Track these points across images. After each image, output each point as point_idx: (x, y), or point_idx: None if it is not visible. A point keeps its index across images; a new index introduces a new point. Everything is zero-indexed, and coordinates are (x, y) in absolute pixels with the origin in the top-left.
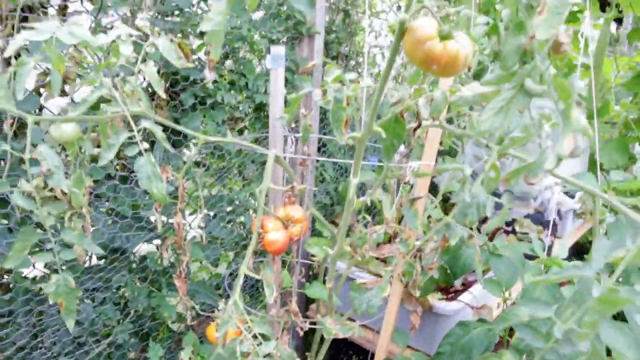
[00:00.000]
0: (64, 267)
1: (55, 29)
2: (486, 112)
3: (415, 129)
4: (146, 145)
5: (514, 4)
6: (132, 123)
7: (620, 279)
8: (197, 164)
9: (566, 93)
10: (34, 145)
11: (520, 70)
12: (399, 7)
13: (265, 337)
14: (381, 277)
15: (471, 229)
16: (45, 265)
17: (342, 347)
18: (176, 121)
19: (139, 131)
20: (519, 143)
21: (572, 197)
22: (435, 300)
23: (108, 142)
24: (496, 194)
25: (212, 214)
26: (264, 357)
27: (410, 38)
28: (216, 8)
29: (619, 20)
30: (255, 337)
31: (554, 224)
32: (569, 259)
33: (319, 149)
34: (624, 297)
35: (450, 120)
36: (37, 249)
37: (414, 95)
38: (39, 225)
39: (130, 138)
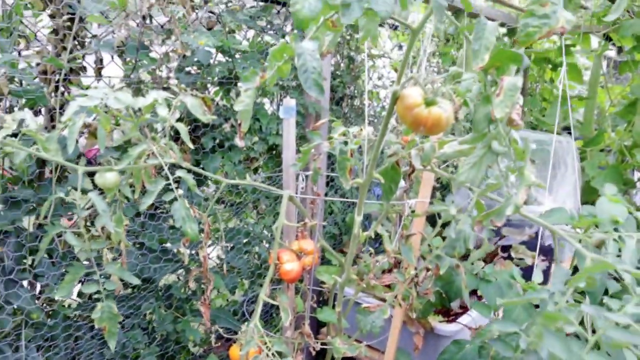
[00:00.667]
0: (101, 296)
1: (104, 95)
2: (464, 166)
3: (410, 174)
4: (181, 191)
5: (482, 80)
6: (168, 173)
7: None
8: (217, 200)
9: (521, 155)
10: (78, 190)
11: (489, 134)
12: (400, 47)
13: (281, 355)
14: (385, 301)
15: (461, 258)
16: (79, 295)
17: None
18: (197, 162)
19: (175, 181)
20: (494, 189)
21: None
22: (437, 322)
23: (148, 189)
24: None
25: (229, 245)
26: None
27: (401, 105)
28: (246, 94)
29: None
30: (273, 355)
31: (551, 249)
32: None
33: (327, 184)
34: (561, 314)
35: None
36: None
37: (407, 147)
38: (77, 259)
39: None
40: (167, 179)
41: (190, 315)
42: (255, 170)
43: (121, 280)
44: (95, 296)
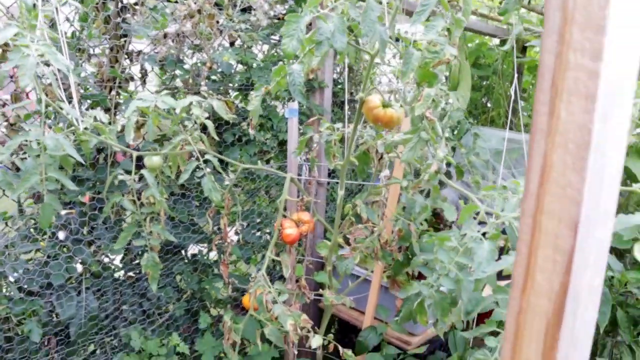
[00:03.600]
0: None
1: (154, 98)
2: (405, 149)
3: (379, 159)
4: (208, 169)
5: (417, 91)
6: (199, 156)
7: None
8: (235, 185)
9: (434, 140)
10: (133, 169)
11: (420, 127)
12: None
13: (280, 294)
14: (367, 268)
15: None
16: (122, 260)
17: (347, 330)
18: (220, 153)
19: (204, 161)
20: (429, 168)
21: None
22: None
23: (184, 169)
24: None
25: (245, 224)
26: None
27: (366, 106)
28: (255, 99)
29: None
30: (277, 293)
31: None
32: None
33: (330, 174)
34: (447, 237)
35: None
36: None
37: (376, 138)
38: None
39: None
40: (198, 160)
41: (212, 277)
42: (268, 161)
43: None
44: (136, 262)
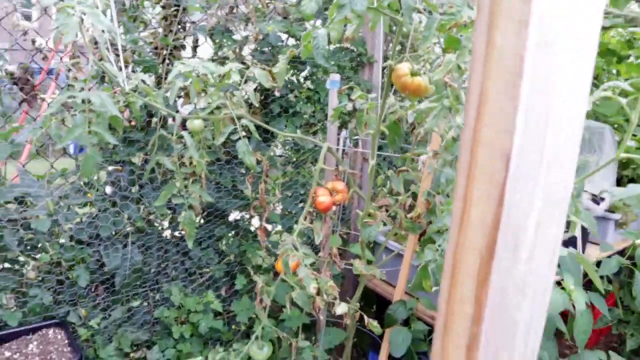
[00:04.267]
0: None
1: (196, 64)
2: (429, 117)
3: (412, 130)
4: (243, 133)
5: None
6: (236, 121)
7: None
8: (279, 156)
9: (456, 108)
10: (175, 130)
11: (443, 94)
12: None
13: (307, 255)
14: (404, 241)
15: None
16: (171, 222)
17: (385, 306)
18: (266, 124)
19: (241, 126)
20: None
21: (598, 203)
22: None
23: (222, 131)
24: None
25: (289, 194)
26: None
27: (394, 74)
28: (282, 61)
29: None
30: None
31: (584, 229)
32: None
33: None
34: None
35: None
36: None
37: (407, 109)
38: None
39: (234, 131)
40: (235, 123)
41: (252, 242)
42: (314, 134)
43: (202, 210)
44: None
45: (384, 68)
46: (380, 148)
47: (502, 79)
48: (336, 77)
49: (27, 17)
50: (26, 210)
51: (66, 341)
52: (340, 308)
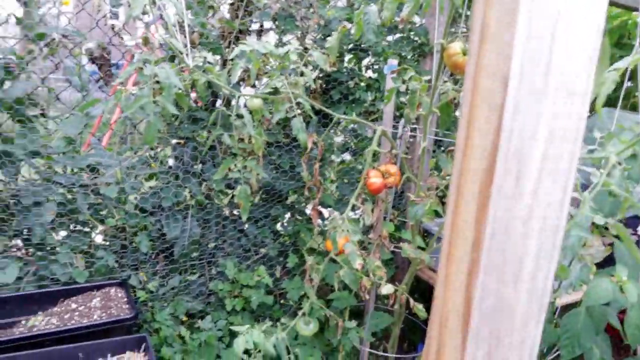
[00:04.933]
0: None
1: (256, 44)
2: None
3: None
4: (299, 111)
5: None
6: (293, 100)
7: None
8: (342, 145)
9: None
10: (234, 107)
11: None
12: None
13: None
14: None
15: None
16: (230, 201)
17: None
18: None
19: (297, 104)
20: None
21: None
22: None
23: (279, 109)
24: None
25: (346, 180)
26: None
27: (446, 53)
28: (333, 38)
29: None
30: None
31: None
32: None
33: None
34: None
35: None
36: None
37: (461, 90)
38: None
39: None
40: (291, 102)
41: (305, 222)
42: (374, 121)
43: (259, 194)
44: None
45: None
46: (438, 136)
47: (502, 5)
48: (394, 62)
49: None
50: (97, 177)
51: (125, 299)
52: (386, 288)
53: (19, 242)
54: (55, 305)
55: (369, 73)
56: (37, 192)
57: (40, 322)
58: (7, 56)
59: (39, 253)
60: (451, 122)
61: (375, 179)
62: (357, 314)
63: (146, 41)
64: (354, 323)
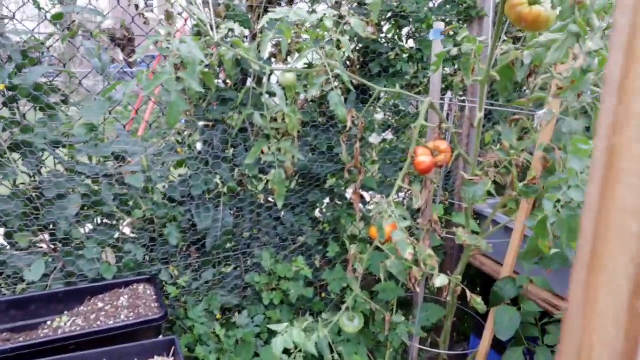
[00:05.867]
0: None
1: (286, 11)
2: (551, 51)
3: (528, 76)
4: (336, 83)
5: None
6: (329, 72)
7: None
8: (383, 124)
9: (584, 29)
10: (264, 85)
11: (572, 19)
12: None
13: (404, 218)
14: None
15: None
16: (265, 187)
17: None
18: (364, 84)
19: (333, 77)
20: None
21: None
22: None
23: (313, 82)
24: None
25: (389, 161)
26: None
27: (508, 4)
28: None
29: None
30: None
31: None
32: None
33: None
34: None
35: None
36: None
37: (524, 49)
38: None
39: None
40: (328, 74)
41: (346, 208)
42: (418, 95)
43: (295, 179)
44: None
45: (494, 22)
46: (489, 113)
47: None
48: (440, 25)
49: None
50: (122, 166)
51: (154, 297)
52: (440, 280)
53: (44, 237)
54: (81, 304)
55: (411, 43)
56: (60, 184)
57: (65, 323)
58: (26, 39)
59: (65, 248)
60: (512, 87)
61: (423, 157)
62: (405, 304)
63: (169, 16)
64: (402, 317)
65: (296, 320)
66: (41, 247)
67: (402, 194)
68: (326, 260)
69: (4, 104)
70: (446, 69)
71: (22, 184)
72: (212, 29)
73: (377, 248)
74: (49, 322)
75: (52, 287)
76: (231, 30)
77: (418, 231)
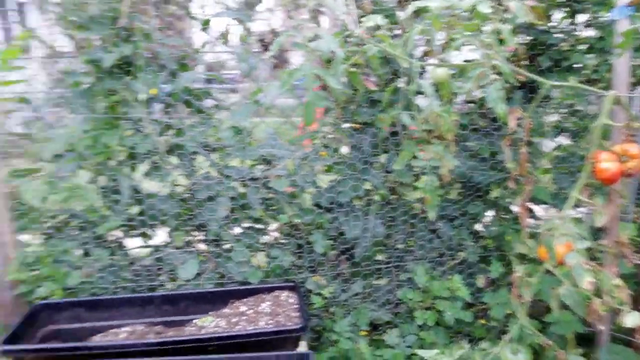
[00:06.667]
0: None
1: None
2: None
3: None
4: (496, 77)
5: None
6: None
7: None
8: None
9: None
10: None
11: None
12: None
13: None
14: None
15: None
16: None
17: None
18: (532, 80)
19: (492, 70)
20: None
21: None
22: None
23: (468, 76)
24: None
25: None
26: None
27: None
28: None
29: None
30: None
31: None
32: None
33: None
34: None
35: None
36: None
37: None
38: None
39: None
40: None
41: (512, 222)
42: None
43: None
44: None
45: None
46: None
47: None
48: (624, 1)
49: None
50: (268, 170)
51: (296, 305)
52: (632, 318)
53: (197, 237)
54: (226, 306)
55: (588, 32)
56: (210, 186)
57: (210, 323)
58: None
59: (216, 250)
60: None
61: (607, 164)
62: (586, 341)
63: (314, 15)
64: (580, 357)
65: (453, 346)
66: (194, 247)
67: (582, 209)
68: (489, 280)
69: (165, 109)
70: (637, 59)
71: (177, 185)
72: (355, 24)
73: (548, 271)
74: (194, 321)
75: (204, 286)
76: (378, 26)
77: (602, 254)
